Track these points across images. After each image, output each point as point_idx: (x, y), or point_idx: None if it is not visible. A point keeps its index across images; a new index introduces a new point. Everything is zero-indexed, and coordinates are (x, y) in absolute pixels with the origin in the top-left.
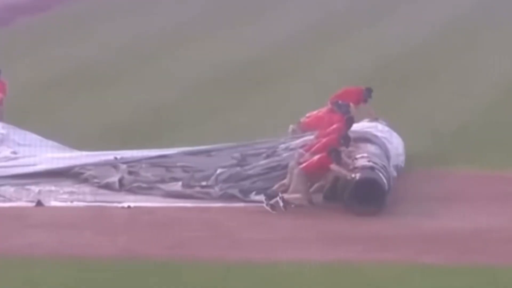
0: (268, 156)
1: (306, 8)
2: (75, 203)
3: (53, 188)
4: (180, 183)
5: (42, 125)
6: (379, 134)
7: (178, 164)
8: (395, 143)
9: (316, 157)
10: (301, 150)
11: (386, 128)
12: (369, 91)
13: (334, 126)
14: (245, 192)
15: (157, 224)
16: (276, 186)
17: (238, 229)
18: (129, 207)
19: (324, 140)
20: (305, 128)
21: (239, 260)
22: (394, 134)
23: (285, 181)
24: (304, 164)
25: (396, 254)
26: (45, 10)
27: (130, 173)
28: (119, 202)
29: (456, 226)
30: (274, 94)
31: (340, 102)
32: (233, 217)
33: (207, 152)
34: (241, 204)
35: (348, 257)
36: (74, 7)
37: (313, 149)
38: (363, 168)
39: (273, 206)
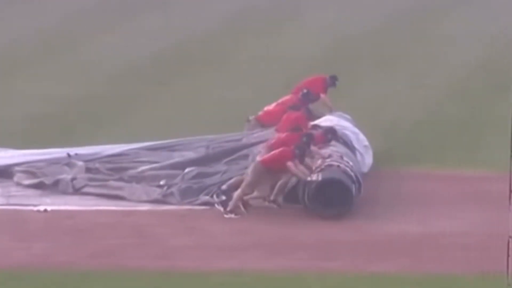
0: (236, 147)
1: None
2: None
3: None
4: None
5: None
6: (355, 144)
7: (136, 160)
8: (367, 163)
9: (277, 150)
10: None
11: (366, 143)
12: (333, 79)
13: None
14: (194, 192)
15: (77, 230)
16: (232, 180)
17: (168, 235)
18: (45, 210)
19: (283, 135)
20: (262, 123)
21: (168, 270)
22: (370, 153)
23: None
24: (263, 157)
25: (343, 262)
26: None
27: (88, 170)
28: (35, 205)
29: (410, 230)
30: (204, 83)
31: (307, 91)
32: (163, 222)
33: (170, 147)
34: (171, 207)
35: (290, 266)
36: None
37: (270, 143)
38: (338, 169)
39: (225, 207)
